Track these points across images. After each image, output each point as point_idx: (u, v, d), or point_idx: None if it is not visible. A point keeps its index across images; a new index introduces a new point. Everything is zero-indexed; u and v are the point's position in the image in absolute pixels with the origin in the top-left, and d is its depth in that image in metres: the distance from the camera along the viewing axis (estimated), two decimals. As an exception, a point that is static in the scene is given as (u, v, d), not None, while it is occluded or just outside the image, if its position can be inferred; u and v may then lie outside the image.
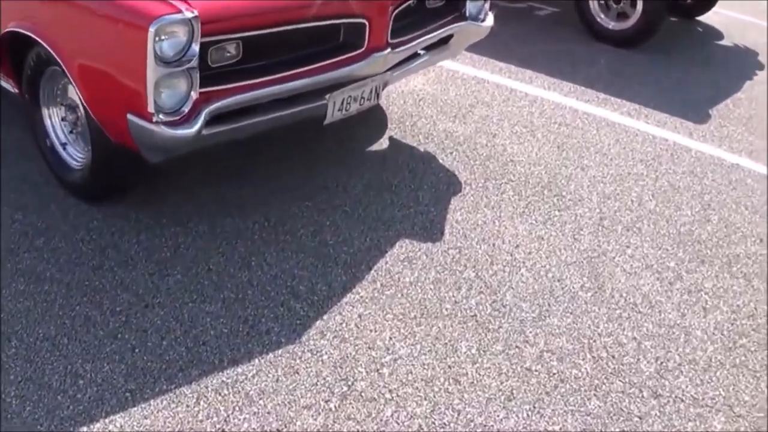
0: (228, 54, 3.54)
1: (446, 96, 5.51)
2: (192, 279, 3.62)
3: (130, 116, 3.39)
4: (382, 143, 4.83)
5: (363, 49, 3.93)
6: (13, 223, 3.90)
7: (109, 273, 3.63)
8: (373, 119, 5.05)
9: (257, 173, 4.41)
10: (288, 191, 4.28)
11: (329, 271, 3.72)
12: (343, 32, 3.95)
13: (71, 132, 4.03)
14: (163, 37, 3.23)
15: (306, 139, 4.71)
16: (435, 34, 4.43)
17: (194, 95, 3.39)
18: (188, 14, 3.23)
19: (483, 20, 4.70)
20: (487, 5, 4.74)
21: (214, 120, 3.54)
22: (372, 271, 3.74)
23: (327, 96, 3.91)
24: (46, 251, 3.74)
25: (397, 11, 4.04)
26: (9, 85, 4.19)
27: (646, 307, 3.68)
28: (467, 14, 4.61)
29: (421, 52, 4.53)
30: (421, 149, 4.79)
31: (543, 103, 5.57)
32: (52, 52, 3.61)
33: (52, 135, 4.06)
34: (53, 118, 4.06)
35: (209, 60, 3.47)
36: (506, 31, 6.78)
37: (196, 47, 3.29)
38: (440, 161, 4.66)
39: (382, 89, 4.22)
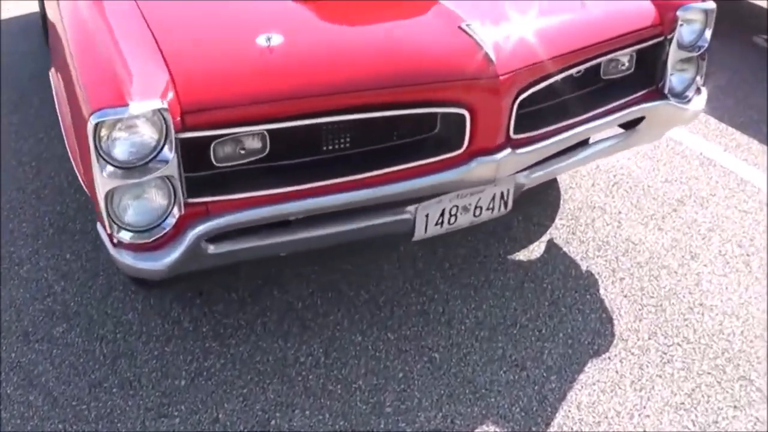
0: (243, 151, 2.24)
1: (652, 181, 3.68)
2: (188, 429, 2.47)
3: (99, 227, 2.27)
4: (534, 249, 3.20)
5: (461, 150, 2.40)
6: (46, 297, 2.96)
7: (103, 395, 2.56)
8: (537, 206, 3.43)
9: (345, 278, 3.03)
10: (370, 311, 2.88)
11: (364, 459, 2.40)
12: (438, 124, 2.47)
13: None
14: (114, 136, 2.01)
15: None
16: (611, 118, 2.73)
17: (177, 211, 2.16)
18: (144, 106, 1.98)
19: (688, 100, 2.89)
20: (699, 79, 2.93)
21: (226, 235, 2.31)
22: (420, 475, 2.35)
23: (412, 208, 2.49)
24: (58, 346, 2.76)
25: (527, 93, 2.41)
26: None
27: None
28: (666, 89, 2.83)
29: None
30: (584, 267, 3.11)
31: (779, 210, 3.60)
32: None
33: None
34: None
35: (213, 158, 2.21)
36: (764, 88, 4.74)
37: (168, 151, 2.04)
38: (601, 292, 2.98)
39: (514, 196, 2.68)
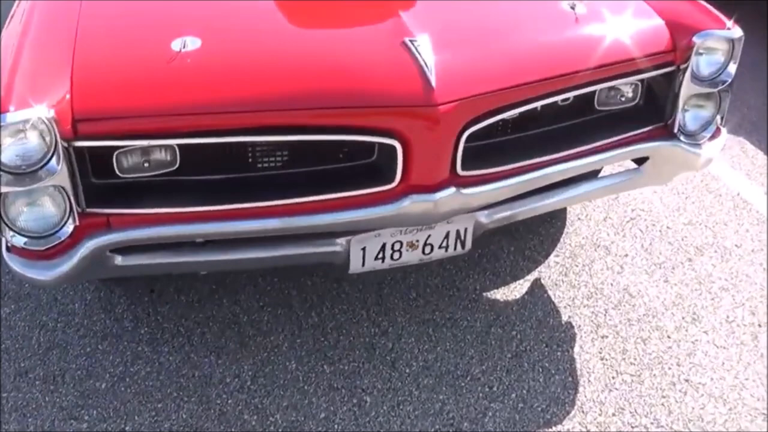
0: (148, 163, 1.99)
1: (673, 221, 3.13)
2: (94, 437, 2.32)
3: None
4: (515, 289, 2.79)
5: (393, 185, 2.04)
6: (5, 275, 2.84)
7: (25, 386, 2.42)
8: (534, 238, 2.97)
9: (300, 294, 2.73)
10: (314, 337, 2.56)
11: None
12: (376, 153, 2.10)
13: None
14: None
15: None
16: (600, 157, 2.28)
17: (72, 222, 1.94)
18: (24, 114, 1.78)
19: (701, 143, 2.36)
20: (719, 119, 2.40)
21: (136, 248, 2.08)
22: None
23: (343, 240, 2.16)
24: (1, 326, 2.67)
25: (479, 126, 2.01)
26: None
27: None
28: (676, 128, 2.35)
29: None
30: (564, 318, 2.68)
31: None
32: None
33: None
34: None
35: (117, 168, 1.97)
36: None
37: (56, 162, 1.82)
38: (576, 350, 2.55)
39: (474, 235, 2.29)
